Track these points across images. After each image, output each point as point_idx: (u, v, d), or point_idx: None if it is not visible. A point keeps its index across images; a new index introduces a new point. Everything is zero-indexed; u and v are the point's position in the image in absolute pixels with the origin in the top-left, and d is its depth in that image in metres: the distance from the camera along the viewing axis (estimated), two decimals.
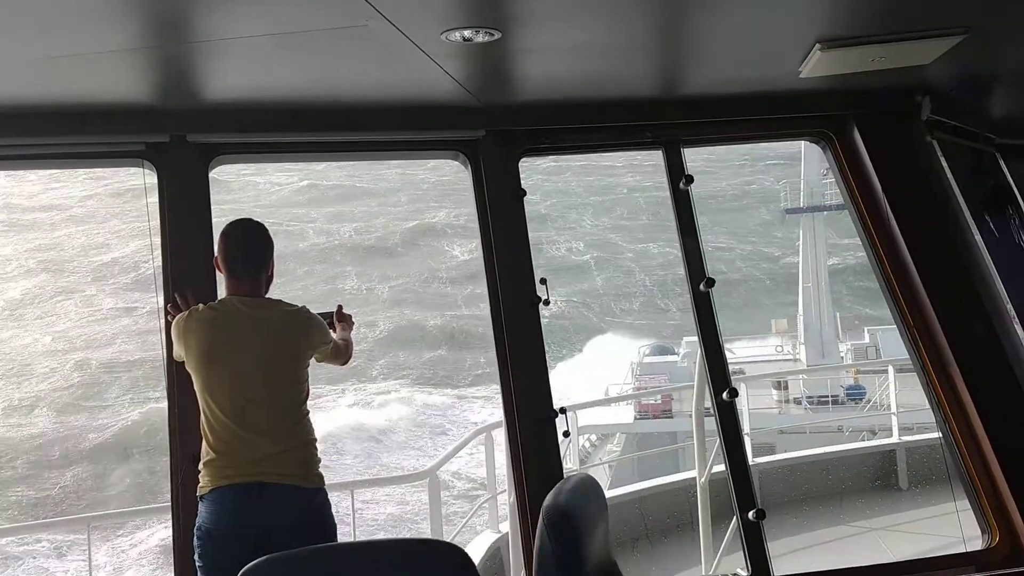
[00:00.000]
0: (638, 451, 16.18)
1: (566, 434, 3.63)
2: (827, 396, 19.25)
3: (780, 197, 26.55)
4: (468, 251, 47.62)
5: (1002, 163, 5.27)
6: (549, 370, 3.62)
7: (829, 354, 22.86)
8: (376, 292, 44.49)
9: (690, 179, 3.84)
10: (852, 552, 6.91)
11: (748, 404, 8.91)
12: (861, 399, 18.36)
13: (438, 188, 58.37)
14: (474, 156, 3.74)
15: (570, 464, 8.23)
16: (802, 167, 24.18)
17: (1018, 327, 4.13)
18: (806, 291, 23.57)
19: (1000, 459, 3.52)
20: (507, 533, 5.81)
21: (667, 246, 47.73)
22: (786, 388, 19.55)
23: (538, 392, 3.51)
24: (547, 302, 3.66)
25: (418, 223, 53.97)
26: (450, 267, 47.94)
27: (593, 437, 20.68)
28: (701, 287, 3.76)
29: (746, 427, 8.44)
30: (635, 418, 19.56)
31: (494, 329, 3.59)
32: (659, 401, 19.29)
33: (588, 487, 2.37)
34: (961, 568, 3.48)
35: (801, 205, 23.98)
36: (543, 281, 3.69)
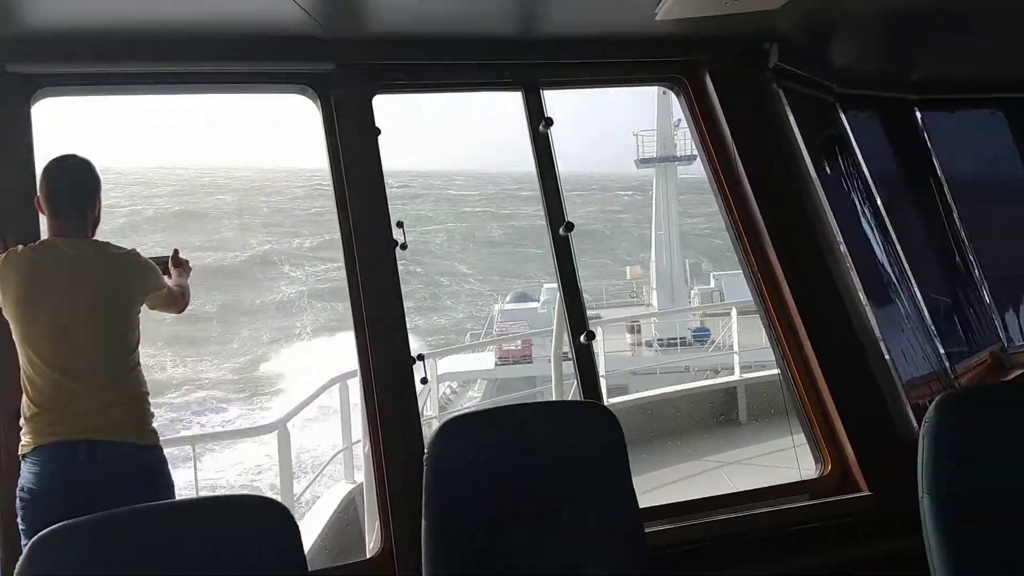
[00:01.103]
0: (498, 396, 16.42)
1: (424, 381, 3.56)
2: (676, 338, 20.14)
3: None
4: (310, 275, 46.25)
5: (840, 113, 5.54)
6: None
7: (679, 299, 23.87)
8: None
9: (549, 122, 3.80)
10: (700, 484, 7.29)
11: (604, 347, 9.15)
12: (707, 340, 19.32)
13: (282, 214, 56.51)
14: (324, 91, 3.55)
15: (430, 412, 8.23)
16: (656, 117, 24.83)
17: (852, 271, 4.39)
18: (658, 239, 24.41)
19: (833, 394, 3.73)
20: (362, 483, 5.73)
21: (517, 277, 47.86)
22: (639, 332, 20.30)
23: (395, 339, 3.42)
24: (404, 246, 3.56)
25: (261, 249, 51.92)
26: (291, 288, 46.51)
27: (454, 384, 20.84)
28: (560, 231, 3.76)
29: (601, 369, 8.70)
30: (496, 364, 19.82)
31: (348, 274, 3.46)
32: (519, 347, 19.60)
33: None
34: (797, 495, 3.70)
35: (655, 155, 24.67)
36: (399, 224, 3.58)
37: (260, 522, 1.95)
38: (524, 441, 2.45)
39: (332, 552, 5.62)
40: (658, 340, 20.21)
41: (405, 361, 3.41)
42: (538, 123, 3.79)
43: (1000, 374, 5.92)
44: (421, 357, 3.51)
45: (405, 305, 3.49)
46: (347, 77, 3.51)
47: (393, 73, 3.61)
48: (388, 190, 3.60)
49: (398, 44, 3.52)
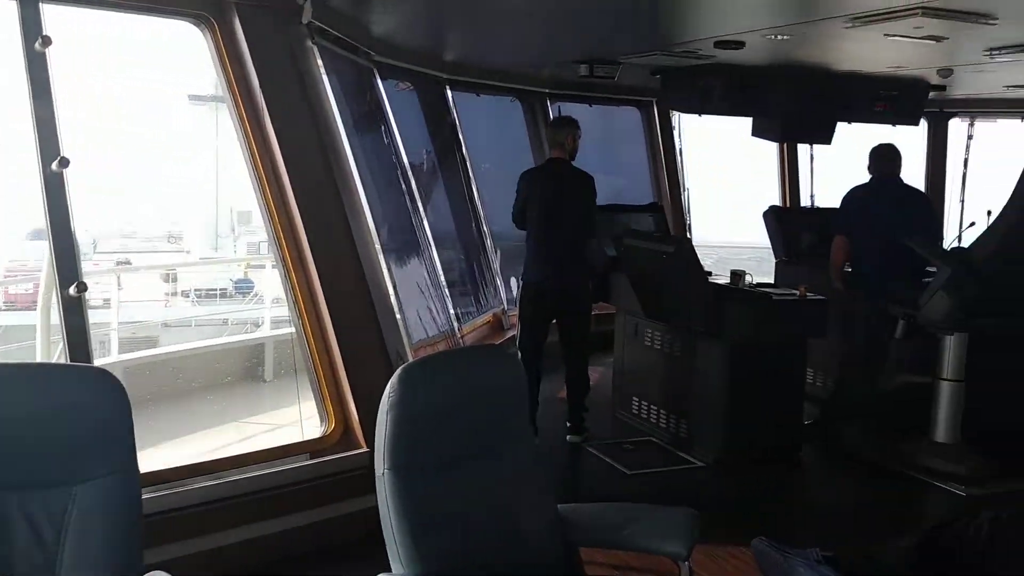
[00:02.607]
0: (2, 345, 14.19)
1: None
2: (216, 290, 19.35)
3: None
4: None
5: (378, 80, 5.71)
6: None
7: (223, 247, 22.98)
8: None
9: (48, 40, 3.31)
10: (212, 446, 7.04)
11: (118, 297, 8.36)
12: (249, 292, 18.88)
13: None
14: None
15: None
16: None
17: (374, 233, 4.55)
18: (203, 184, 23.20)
19: (343, 353, 3.83)
20: None
21: None
22: (175, 280, 19.08)
23: None
24: None
25: None
26: None
27: None
28: (54, 166, 3.29)
29: (115, 321, 7.93)
30: None
31: None
32: (32, 291, 17.09)
33: None
34: (298, 455, 3.73)
35: (205, 93, 23.26)
36: None
37: None
38: None
39: None
40: (196, 290, 19.22)
41: None
42: (34, 40, 3.28)
43: (499, 336, 6.69)
44: None
45: None
46: None
47: None
48: None
49: None
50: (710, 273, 5.20)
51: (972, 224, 5.53)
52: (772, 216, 6.71)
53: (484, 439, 2.16)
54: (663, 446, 5.06)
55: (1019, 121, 8.14)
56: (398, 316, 4.55)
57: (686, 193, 8.82)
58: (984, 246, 4.52)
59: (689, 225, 8.74)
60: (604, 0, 4.28)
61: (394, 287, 4.74)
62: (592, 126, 8.89)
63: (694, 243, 8.71)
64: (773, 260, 6.82)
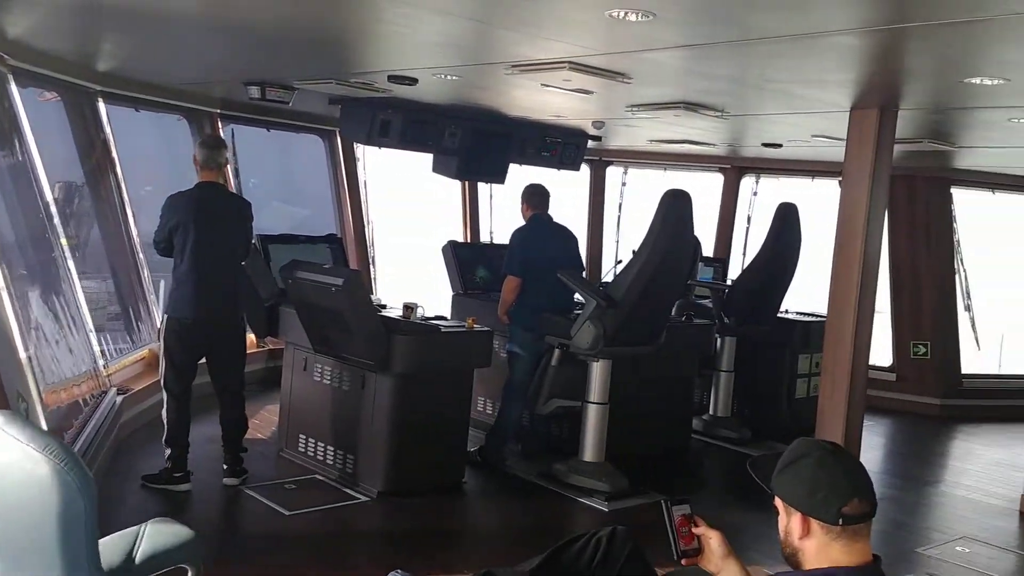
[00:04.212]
0: None
1: None
2: None
3: None
4: None
5: (13, 87, 5.06)
6: None
7: None
8: None
9: None
10: None
11: None
12: None
13: None
14: None
15: None
16: None
17: None
18: None
19: None
20: None
21: None
22: None
23: None
24: None
25: None
26: None
27: None
28: None
29: None
30: None
31: None
32: None
33: None
34: None
35: None
36: None
37: None
38: None
39: None
40: None
41: None
42: None
43: (155, 373, 6.15)
44: None
45: None
46: None
47: None
48: None
49: None
50: (383, 306, 5.21)
51: (620, 262, 6.12)
52: (450, 250, 6.91)
53: None
54: (328, 483, 4.93)
55: (662, 171, 9.21)
56: (23, 354, 4.00)
57: (370, 226, 8.83)
58: (622, 281, 4.99)
59: (373, 258, 8.74)
60: (272, 21, 4.14)
61: (18, 321, 4.16)
62: (271, 152, 8.65)
63: (378, 278, 8.85)
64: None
